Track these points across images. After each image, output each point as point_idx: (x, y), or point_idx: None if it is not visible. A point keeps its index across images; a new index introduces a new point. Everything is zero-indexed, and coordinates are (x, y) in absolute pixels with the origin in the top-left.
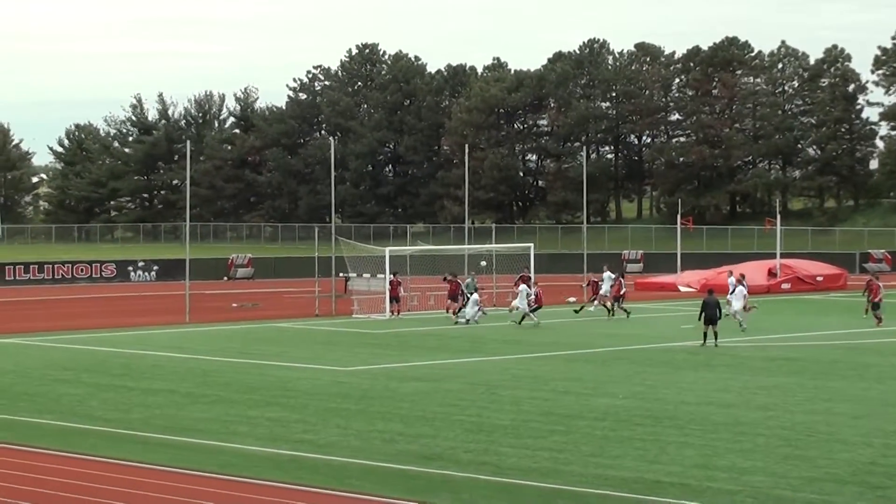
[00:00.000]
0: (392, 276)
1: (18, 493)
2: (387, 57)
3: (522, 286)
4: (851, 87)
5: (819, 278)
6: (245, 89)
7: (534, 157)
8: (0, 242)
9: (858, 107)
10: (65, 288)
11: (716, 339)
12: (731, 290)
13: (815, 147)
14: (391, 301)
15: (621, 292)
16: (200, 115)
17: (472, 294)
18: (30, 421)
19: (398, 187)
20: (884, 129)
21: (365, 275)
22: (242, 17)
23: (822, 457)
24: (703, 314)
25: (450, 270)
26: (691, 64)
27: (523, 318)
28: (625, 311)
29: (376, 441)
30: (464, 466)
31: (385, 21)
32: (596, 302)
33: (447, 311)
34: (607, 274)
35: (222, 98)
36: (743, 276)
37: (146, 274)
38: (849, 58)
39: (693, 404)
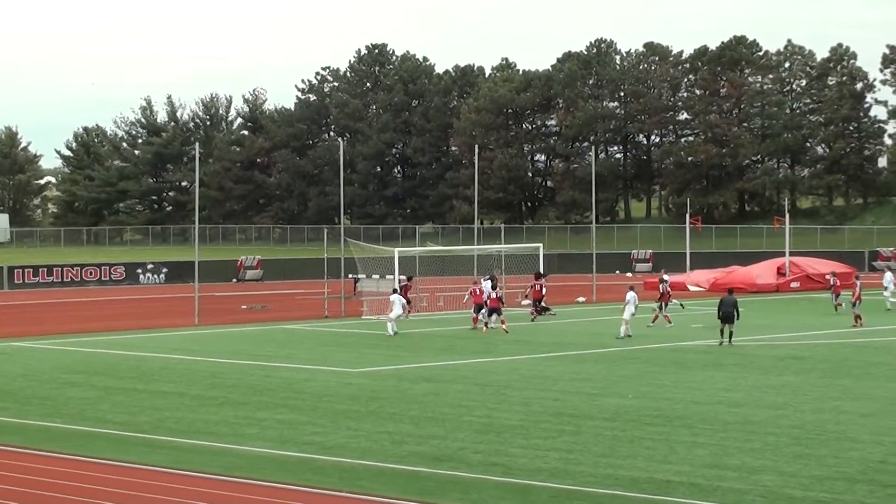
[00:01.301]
0: (407, 279)
1: (27, 497)
2: (395, 58)
3: (395, 296)
4: (859, 86)
5: (828, 276)
6: (254, 91)
7: (542, 157)
8: (9, 246)
9: (866, 105)
10: (74, 291)
11: (730, 337)
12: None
13: (823, 145)
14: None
15: (542, 294)
16: (209, 116)
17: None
18: (39, 424)
19: (407, 188)
20: (892, 127)
21: (374, 276)
22: (251, 18)
23: (831, 455)
24: (721, 312)
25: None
26: (699, 63)
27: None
28: (547, 310)
29: (386, 442)
30: (474, 467)
31: (393, 22)
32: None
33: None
34: (487, 283)
35: (230, 100)
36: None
37: (155, 276)
38: (854, 56)
39: (703, 404)
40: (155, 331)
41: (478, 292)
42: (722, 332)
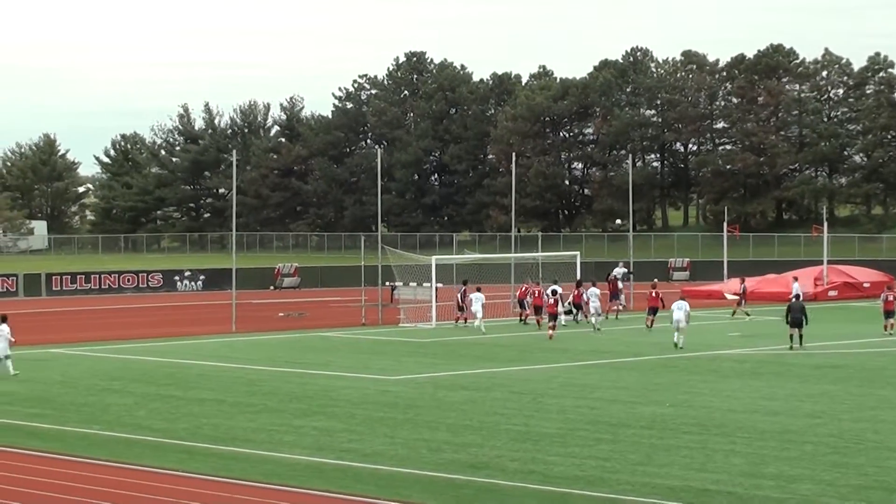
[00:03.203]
0: (463, 284)
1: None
2: (433, 66)
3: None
4: None
5: (866, 285)
6: (291, 98)
7: (579, 166)
8: (47, 253)
9: None
10: (111, 298)
11: (801, 341)
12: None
13: (861, 154)
14: (459, 309)
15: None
16: (246, 124)
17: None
18: (77, 431)
19: (444, 196)
20: None
21: (411, 283)
22: (288, 26)
23: (869, 464)
24: (789, 318)
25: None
26: (736, 72)
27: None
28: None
29: (423, 450)
30: (511, 475)
31: (431, 30)
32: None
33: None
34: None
35: (267, 107)
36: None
37: (192, 283)
38: (892, 64)
39: (740, 412)
40: (192, 338)
41: (536, 294)
42: (791, 337)
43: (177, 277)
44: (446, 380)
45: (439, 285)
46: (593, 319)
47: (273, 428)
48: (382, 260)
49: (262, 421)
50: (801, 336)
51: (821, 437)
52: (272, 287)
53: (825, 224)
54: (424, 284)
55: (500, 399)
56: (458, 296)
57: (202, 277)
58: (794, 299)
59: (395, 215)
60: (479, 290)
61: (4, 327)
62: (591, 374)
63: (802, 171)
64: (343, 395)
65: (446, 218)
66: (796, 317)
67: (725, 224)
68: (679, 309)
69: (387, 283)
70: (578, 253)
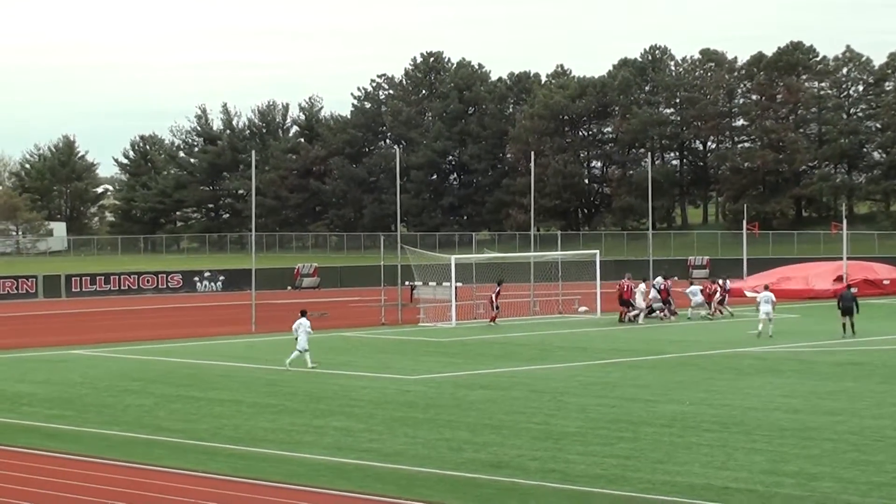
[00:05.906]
0: (497, 284)
1: None
2: (451, 65)
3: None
4: None
5: (886, 282)
6: (309, 99)
7: (598, 164)
8: (66, 254)
9: None
10: (131, 299)
11: (853, 329)
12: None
13: (880, 151)
14: (492, 308)
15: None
16: (264, 124)
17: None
18: (97, 432)
19: (462, 195)
20: None
21: (431, 283)
22: (306, 27)
23: (890, 461)
24: (840, 305)
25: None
26: (755, 69)
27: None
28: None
29: (443, 449)
30: (531, 474)
31: (449, 29)
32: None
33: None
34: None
35: (286, 107)
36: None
37: (212, 284)
38: None
39: (760, 410)
40: (212, 338)
41: (626, 289)
42: (844, 325)
43: (196, 278)
44: (466, 379)
45: (459, 284)
46: (702, 312)
47: (293, 428)
48: (402, 259)
49: (283, 421)
50: (852, 324)
51: (841, 435)
52: (289, 287)
53: (844, 221)
54: (444, 284)
55: (520, 398)
56: (493, 295)
57: (221, 278)
58: (845, 289)
59: (414, 215)
60: (644, 281)
61: (304, 321)
62: (612, 373)
63: (821, 168)
64: (363, 394)
65: (465, 217)
66: (847, 305)
67: (745, 222)
68: (766, 302)
69: (406, 283)
70: (598, 251)
